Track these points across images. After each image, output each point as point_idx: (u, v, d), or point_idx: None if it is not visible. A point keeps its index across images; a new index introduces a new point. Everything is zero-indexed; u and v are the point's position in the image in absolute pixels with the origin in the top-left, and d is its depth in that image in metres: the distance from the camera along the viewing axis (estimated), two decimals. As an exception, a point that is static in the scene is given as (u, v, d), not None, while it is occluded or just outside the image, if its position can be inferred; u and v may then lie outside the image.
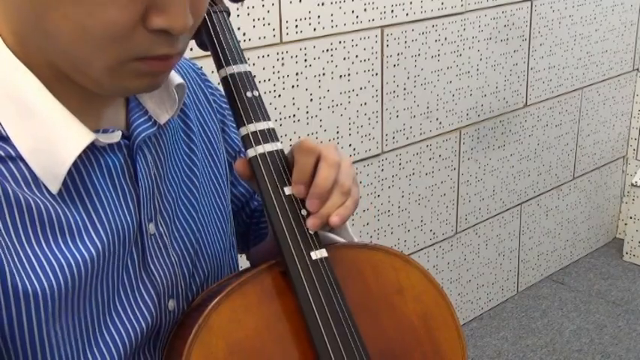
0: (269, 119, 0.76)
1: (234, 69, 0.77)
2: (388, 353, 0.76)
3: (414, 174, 2.31)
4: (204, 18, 0.79)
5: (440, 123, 2.34)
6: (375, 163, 2.18)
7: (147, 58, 0.61)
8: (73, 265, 0.64)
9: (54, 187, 0.64)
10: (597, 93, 2.96)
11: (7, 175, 0.62)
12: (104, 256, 0.67)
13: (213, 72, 0.79)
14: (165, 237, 0.75)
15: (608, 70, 2.97)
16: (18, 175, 0.62)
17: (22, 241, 0.61)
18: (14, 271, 0.60)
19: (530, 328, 2.67)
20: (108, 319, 0.68)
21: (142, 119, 0.73)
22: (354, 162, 2.11)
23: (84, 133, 0.64)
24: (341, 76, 2.00)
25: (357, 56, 2.02)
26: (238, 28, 1.73)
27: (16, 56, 0.62)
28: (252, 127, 0.75)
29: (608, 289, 2.93)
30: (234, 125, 0.83)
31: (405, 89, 2.19)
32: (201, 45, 0.82)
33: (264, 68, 1.81)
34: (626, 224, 3.21)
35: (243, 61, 0.78)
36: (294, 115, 1.91)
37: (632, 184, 3.13)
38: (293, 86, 1.89)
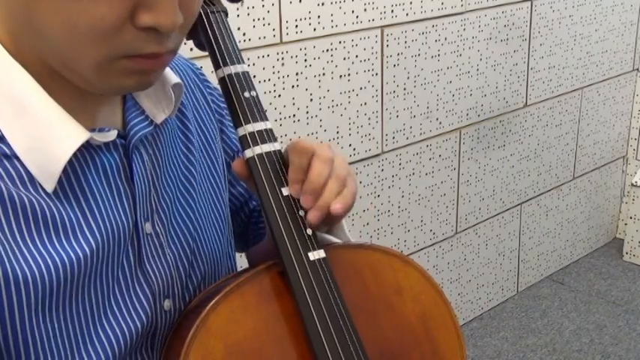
0: (267, 119, 0.76)
1: (232, 69, 0.77)
2: (387, 353, 0.75)
3: (414, 174, 2.31)
4: (202, 18, 0.79)
5: (440, 123, 2.34)
6: (375, 163, 2.18)
7: (135, 56, 0.61)
8: (67, 262, 0.64)
9: (49, 185, 0.64)
10: (597, 93, 2.96)
11: (3, 173, 0.62)
12: (98, 254, 0.67)
13: (212, 72, 0.79)
14: (161, 236, 0.74)
15: (608, 70, 2.97)
16: (13, 173, 0.62)
17: (16, 239, 0.61)
18: (6, 260, 0.60)
19: (530, 328, 2.67)
20: (103, 318, 0.68)
21: (139, 119, 0.73)
22: (354, 162, 2.10)
23: (79, 131, 0.64)
24: (341, 76, 1.99)
25: (357, 56, 2.02)
26: (238, 28, 1.73)
27: (10, 55, 0.63)
28: (250, 128, 0.75)
29: (608, 289, 2.93)
30: (233, 125, 0.83)
31: (405, 89, 2.19)
32: (199, 45, 0.82)
33: (264, 68, 1.81)
34: (626, 224, 3.20)
35: (240, 61, 0.78)
36: (294, 115, 1.91)
37: (632, 184, 3.13)
38: (293, 86, 1.89)
